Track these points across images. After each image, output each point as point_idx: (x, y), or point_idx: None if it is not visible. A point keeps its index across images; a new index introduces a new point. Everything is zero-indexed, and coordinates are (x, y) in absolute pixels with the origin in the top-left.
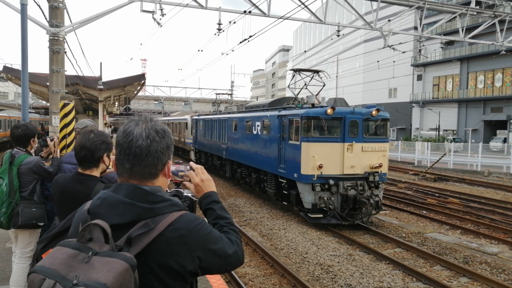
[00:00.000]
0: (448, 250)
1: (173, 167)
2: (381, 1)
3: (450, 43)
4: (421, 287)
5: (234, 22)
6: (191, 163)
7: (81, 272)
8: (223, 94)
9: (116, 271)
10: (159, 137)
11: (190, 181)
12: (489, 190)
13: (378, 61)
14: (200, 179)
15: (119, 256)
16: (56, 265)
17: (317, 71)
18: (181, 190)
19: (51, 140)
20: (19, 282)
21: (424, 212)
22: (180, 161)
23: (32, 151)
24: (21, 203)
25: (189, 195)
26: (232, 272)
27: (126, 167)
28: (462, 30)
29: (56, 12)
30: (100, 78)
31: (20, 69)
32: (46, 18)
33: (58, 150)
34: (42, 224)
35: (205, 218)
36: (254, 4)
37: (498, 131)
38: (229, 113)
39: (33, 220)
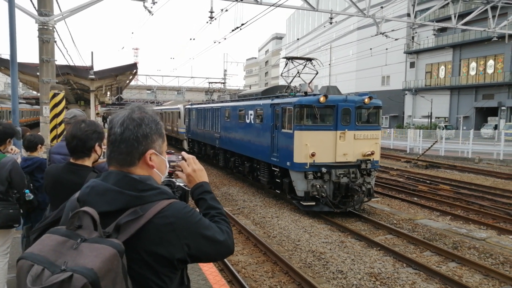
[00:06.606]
0: (438, 236)
1: None
2: None
3: (443, 30)
4: (411, 272)
5: (226, 10)
6: (183, 153)
7: (69, 258)
8: (216, 83)
9: (104, 256)
10: (133, 125)
11: (182, 171)
12: (479, 176)
13: (371, 49)
14: (192, 169)
15: (107, 242)
16: (45, 252)
17: (310, 59)
18: (174, 180)
19: None
20: (0, 280)
21: (415, 199)
22: (172, 151)
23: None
24: None
25: (181, 185)
26: (225, 260)
27: (107, 154)
28: (455, 16)
29: (44, 0)
30: (91, 67)
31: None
32: (34, 7)
33: None
34: (16, 225)
35: (196, 208)
36: None
37: (489, 118)
38: (222, 102)
39: (9, 222)
